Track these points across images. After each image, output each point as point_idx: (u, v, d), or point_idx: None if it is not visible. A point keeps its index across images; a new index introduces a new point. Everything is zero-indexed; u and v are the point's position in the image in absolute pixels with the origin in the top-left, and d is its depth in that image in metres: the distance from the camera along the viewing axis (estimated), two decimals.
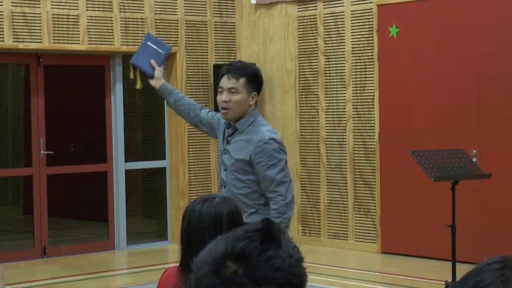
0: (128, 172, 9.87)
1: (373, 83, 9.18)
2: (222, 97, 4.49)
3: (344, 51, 9.41)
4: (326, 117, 9.61)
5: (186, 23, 9.93)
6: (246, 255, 1.35)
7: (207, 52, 10.06)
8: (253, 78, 4.48)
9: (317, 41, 9.67)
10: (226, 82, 4.50)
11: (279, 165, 4.38)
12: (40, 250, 9.23)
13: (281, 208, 4.36)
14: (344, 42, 9.42)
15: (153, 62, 4.90)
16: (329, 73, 9.57)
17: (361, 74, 9.29)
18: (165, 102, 4.92)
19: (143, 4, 9.61)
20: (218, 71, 9.79)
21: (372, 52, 9.17)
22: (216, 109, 9.40)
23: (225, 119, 4.55)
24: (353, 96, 9.36)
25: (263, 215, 4.34)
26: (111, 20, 9.41)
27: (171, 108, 4.99)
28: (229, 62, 4.84)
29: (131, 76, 5.06)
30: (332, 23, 9.52)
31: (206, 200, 2.92)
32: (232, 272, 1.34)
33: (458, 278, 6.59)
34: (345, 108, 9.44)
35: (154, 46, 5.01)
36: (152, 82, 4.85)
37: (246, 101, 4.46)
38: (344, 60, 9.42)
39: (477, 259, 8.30)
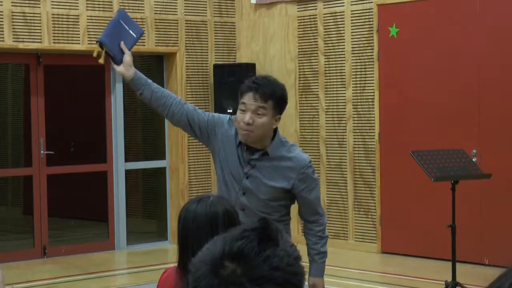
0: (128, 172, 9.86)
1: (373, 83, 9.18)
2: (245, 118, 3.87)
3: (344, 51, 9.41)
4: (326, 117, 9.61)
5: (186, 23, 9.93)
6: (244, 255, 1.34)
7: (207, 52, 10.06)
8: (281, 100, 3.95)
9: (317, 41, 9.67)
10: (252, 102, 3.88)
11: (317, 186, 4.15)
12: (40, 250, 9.23)
13: (324, 228, 4.19)
14: (344, 42, 9.41)
15: (122, 44, 4.12)
16: (329, 73, 9.57)
17: (361, 74, 9.29)
18: (138, 94, 4.09)
19: (143, 4, 9.61)
20: (218, 71, 9.85)
21: (372, 52, 9.17)
22: (217, 110, 9.42)
23: (243, 141, 3.96)
24: (353, 96, 9.36)
25: (288, 229, 4.16)
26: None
27: (144, 102, 4.15)
28: (254, 76, 4.08)
29: (94, 55, 4.13)
30: (332, 23, 9.52)
31: (201, 200, 2.91)
32: (230, 272, 1.34)
33: (458, 278, 6.59)
34: (345, 108, 9.44)
35: (126, 27, 4.21)
36: (120, 69, 4.08)
37: (270, 125, 3.93)
38: (344, 60, 9.42)
39: (477, 259, 8.31)
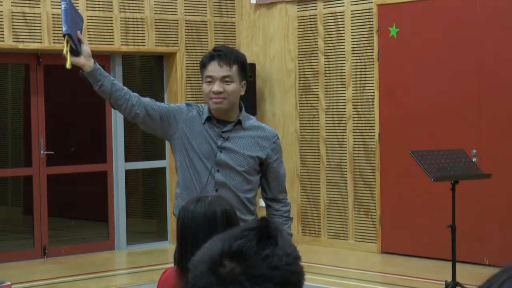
0: (128, 172, 9.87)
1: (373, 83, 9.18)
2: (214, 87, 3.85)
3: (344, 51, 9.41)
4: (326, 117, 9.61)
5: (186, 23, 9.93)
6: (243, 254, 1.35)
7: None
8: (244, 65, 3.96)
9: (317, 41, 9.67)
10: (217, 70, 3.86)
11: (282, 161, 4.10)
12: (40, 250, 9.23)
13: (290, 209, 4.09)
14: (344, 42, 9.42)
15: (79, 34, 3.90)
16: (329, 73, 9.57)
17: (361, 74, 9.29)
18: (97, 87, 3.91)
19: (143, 4, 9.61)
20: None
21: (372, 52, 9.17)
22: None
23: (216, 111, 3.90)
24: (353, 96, 9.36)
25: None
26: (111, 20, 9.41)
27: (102, 96, 3.97)
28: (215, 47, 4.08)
29: (64, 52, 3.88)
30: (332, 23, 9.52)
31: (200, 200, 2.92)
32: (229, 270, 1.34)
33: (458, 278, 6.59)
34: (345, 108, 9.44)
35: (75, 16, 3.94)
36: (81, 61, 3.88)
37: (239, 91, 3.92)
38: (344, 60, 9.42)
39: (477, 259, 8.31)
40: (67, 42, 3.83)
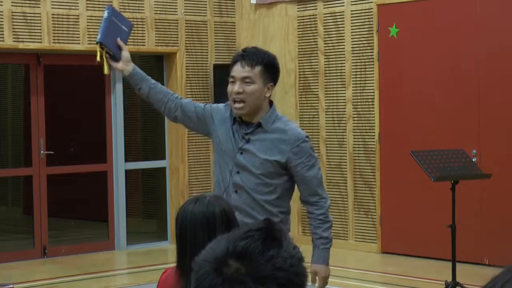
0: (128, 172, 9.87)
1: (373, 83, 9.19)
2: (234, 88, 3.89)
3: (344, 51, 9.42)
4: (326, 117, 9.61)
5: (186, 23, 9.93)
6: (248, 254, 1.35)
7: (207, 52, 10.06)
8: (270, 66, 3.94)
9: (317, 41, 9.67)
10: (239, 70, 3.89)
11: (316, 164, 3.99)
12: (40, 250, 9.23)
13: (327, 212, 4.00)
14: (344, 42, 9.42)
15: (119, 41, 4.10)
16: (329, 73, 9.57)
17: (361, 74, 9.30)
18: (137, 90, 4.12)
19: (143, 4, 9.61)
20: (218, 71, 9.85)
21: (372, 52, 9.17)
22: None
23: (238, 114, 3.94)
24: (353, 96, 9.36)
25: (286, 224, 4.01)
26: None
27: (142, 98, 4.17)
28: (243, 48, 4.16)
29: (98, 59, 4.09)
30: (332, 23, 9.52)
31: (198, 200, 2.91)
32: (234, 270, 1.34)
33: (458, 278, 6.59)
34: (345, 108, 9.44)
35: (118, 23, 4.16)
36: (119, 65, 4.07)
37: (262, 93, 3.90)
38: (344, 60, 9.42)
39: (477, 259, 8.31)
40: (101, 50, 4.07)
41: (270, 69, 3.94)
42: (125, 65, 4.08)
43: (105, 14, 4.15)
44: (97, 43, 4.09)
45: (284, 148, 3.91)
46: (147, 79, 4.09)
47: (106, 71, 4.15)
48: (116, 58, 4.08)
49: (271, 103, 4.02)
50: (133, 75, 4.08)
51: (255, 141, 3.94)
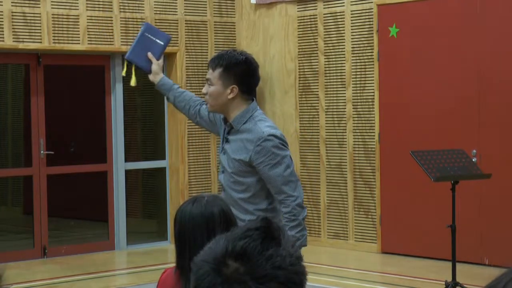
0: (128, 172, 9.87)
1: (373, 83, 9.19)
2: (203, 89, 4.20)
3: (344, 51, 9.42)
4: (326, 117, 9.61)
5: (186, 23, 9.93)
6: (247, 254, 1.35)
7: (207, 52, 10.06)
8: (231, 69, 4.04)
9: (317, 41, 9.67)
10: (207, 73, 4.16)
11: (282, 163, 3.98)
12: (40, 250, 9.23)
13: (294, 210, 3.97)
14: (344, 42, 9.42)
15: (149, 55, 4.48)
16: (329, 73, 9.57)
17: (361, 74, 9.30)
18: (166, 99, 4.60)
19: (143, 4, 9.61)
20: None
21: (372, 52, 9.17)
22: None
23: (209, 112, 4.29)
24: (353, 96, 9.36)
25: None
26: (111, 20, 9.41)
27: (171, 104, 4.62)
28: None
29: (123, 73, 4.59)
30: (332, 23, 9.52)
31: (196, 201, 2.91)
32: (233, 270, 1.35)
33: (458, 278, 6.59)
34: (345, 108, 9.44)
35: (153, 37, 4.54)
36: (151, 77, 4.48)
37: (223, 94, 4.04)
38: (344, 60, 9.42)
39: (477, 259, 8.31)
40: (128, 66, 4.53)
41: (231, 71, 4.04)
42: (154, 77, 4.45)
43: (141, 30, 4.57)
44: (125, 59, 4.52)
45: (249, 147, 4.03)
46: (173, 89, 4.45)
47: (132, 82, 4.57)
48: (146, 70, 4.48)
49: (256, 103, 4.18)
50: (160, 86, 4.45)
51: (231, 141, 4.12)
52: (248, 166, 4.03)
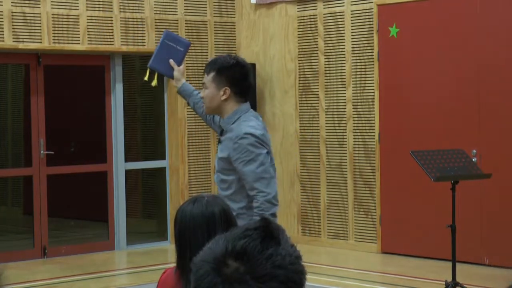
0: (128, 172, 9.87)
1: (373, 83, 9.19)
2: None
3: (344, 51, 9.42)
4: (326, 117, 9.61)
5: (186, 23, 9.93)
6: (247, 253, 1.36)
7: (207, 52, 10.06)
8: (222, 72, 4.27)
9: (317, 41, 9.67)
10: (204, 77, 4.41)
11: (257, 160, 4.15)
12: (40, 250, 9.23)
13: (262, 205, 4.11)
14: (344, 42, 9.42)
15: (171, 62, 4.69)
16: (329, 73, 9.57)
17: (361, 74, 9.30)
18: (186, 104, 4.93)
19: (143, 4, 9.61)
20: None
21: (372, 52, 9.17)
22: None
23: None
24: (353, 96, 9.36)
25: (244, 220, 4.15)
26: (111, 20, 9.41)
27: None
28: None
29: (146, 79, 4.83)
30: (332, 23, 9.52)
31: (196, 201, 2.91)
32: (233, 270, 1.35)
33: (458, 278, 6.59)
34: (345, 108, 9.44)
35: (173, 44, 4.75)
36: (173, 83, 4.76)
37: (217, 96, 4.28)
38: (344, 60, 9.42)
39: (477, 259, 8.31)
40: (151, 72, 4.76)
41: (223, 74, 4.27)
42: (175, 83, 4.69)
43: (161, 38, 4.77)
44: (148, 67, 4.74)
45: (229, 145, 4.23)
46: (193, 95, 4.68)
47: (153, 83, 4.83)
48: (168, 76, 4.72)
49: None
50: (181, 92, 4.72)
51: (222, 141, 4.35)
52: (230, 164, 4.23)
